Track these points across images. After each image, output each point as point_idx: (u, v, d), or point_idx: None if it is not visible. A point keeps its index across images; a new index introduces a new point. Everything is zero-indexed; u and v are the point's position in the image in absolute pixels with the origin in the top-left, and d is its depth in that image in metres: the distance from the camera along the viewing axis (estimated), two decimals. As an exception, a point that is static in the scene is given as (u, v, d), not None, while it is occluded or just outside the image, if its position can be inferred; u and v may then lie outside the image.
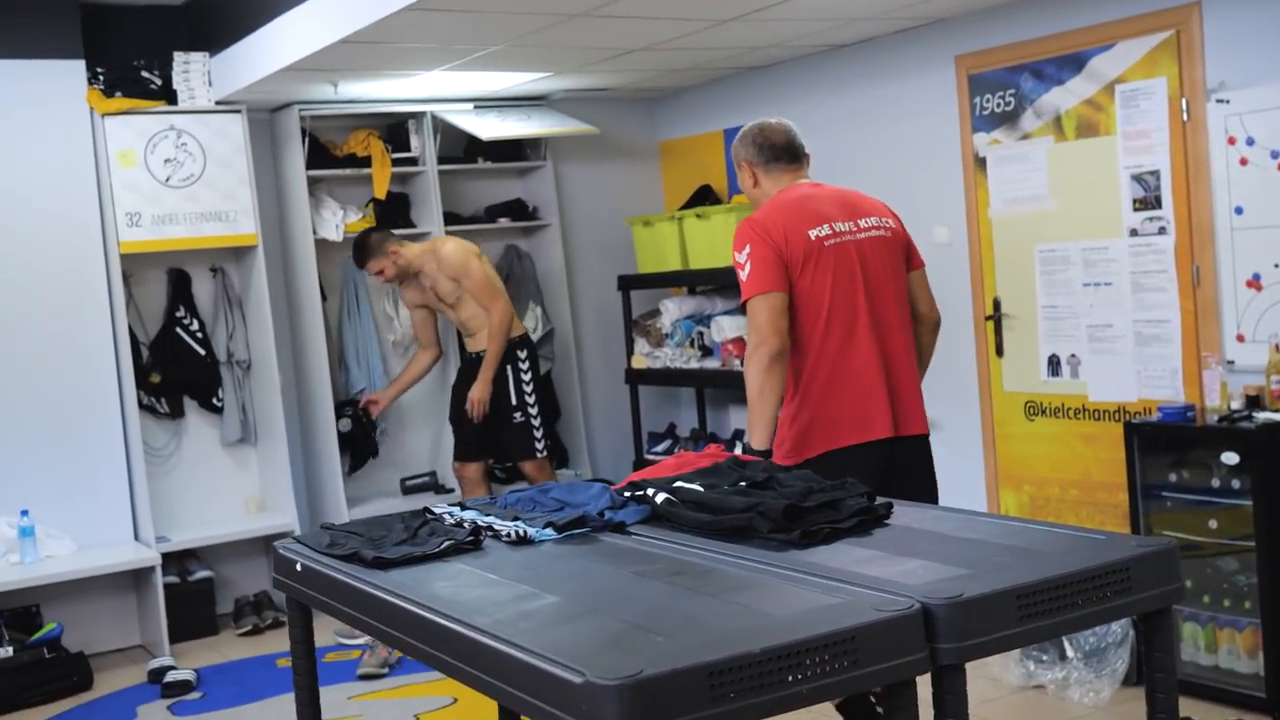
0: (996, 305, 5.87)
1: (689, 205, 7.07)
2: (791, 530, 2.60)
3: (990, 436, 5.98)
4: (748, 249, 3.83)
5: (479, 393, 6.29)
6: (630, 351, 7.10)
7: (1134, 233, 5.27)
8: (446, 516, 3.04)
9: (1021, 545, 2.48)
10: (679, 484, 2.98)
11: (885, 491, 3.12)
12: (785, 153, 4.03)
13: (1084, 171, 5.43)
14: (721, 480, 2.99)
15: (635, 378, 7.08)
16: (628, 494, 3.03)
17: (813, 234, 3.84)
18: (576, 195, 7.44)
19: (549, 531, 2.82)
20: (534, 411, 6.44)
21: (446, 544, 2.74)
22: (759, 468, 3.08)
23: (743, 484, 2.92)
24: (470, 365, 6.46)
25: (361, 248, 6.36)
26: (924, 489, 4.03)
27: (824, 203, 3.95)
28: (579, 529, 2.85)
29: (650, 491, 2.96)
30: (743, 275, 3.84)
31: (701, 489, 2.92)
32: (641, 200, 7.59)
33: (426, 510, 3.13)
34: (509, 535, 2.81)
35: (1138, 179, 5.22)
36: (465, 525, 2.92)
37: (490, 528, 2.87)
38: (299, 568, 2.84)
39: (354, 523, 3.08)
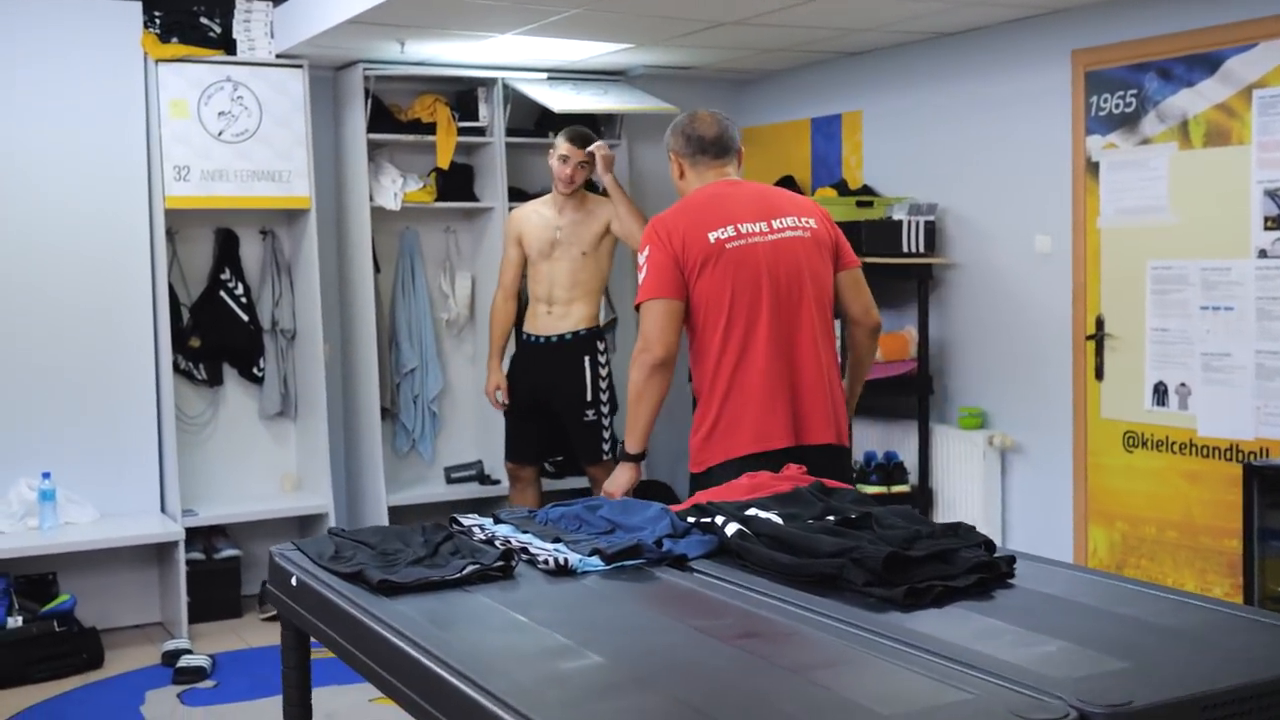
0: (1099, 324, 5.28)
1: (769, 196, 6.51)
2: (894, 586, 2.06)
3: (1082, 466, 5.39)
4: (647, 250, 3.67)
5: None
6: (696, 347, 6.55)
7: (1263, 254, 4.66)
8: (476, 530, 2.52)
9: (1187, 628, 1.93)
10: (753, 511, 2.44)
11: None
12: (713, 146, 3.79)
13: (1210, 183, 4.83)
14: (804, 510, 2.45)
15: (699, 375, 6.53)
16: (691, 520, 2.50)
17: (713, 236, 3.63)
18: (650, 179, 6.91)
19: (595, 561, 2.29)
20: (606, 410, 5.89)
21: (470, 568, 2.22)
22: (848, 497, 2.54)
23: (830, 518, 2.38)
24: (539, 351, 5.83)
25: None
26: None
27: (735, 202, 3.73)
28: (631, 560, 2.31)
29: (719, 520, 2.43)
30: (640, 276, 3.68)
31: (780, 520, 2.38)
32: (718, 188, 7.04)
33: (453, 521, 2.61)
34: (547, 562, 2.28)
35: (1272, 195, 4.62)
36: (496, 544, 2.40)
37: (526, 550, 2.35)
38: (293, 582, 2.33)
39: (368, 530, 2.56)
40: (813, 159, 6.60)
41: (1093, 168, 5.26)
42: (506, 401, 5.90)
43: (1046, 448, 5.52)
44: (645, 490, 6.76)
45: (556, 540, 2.39)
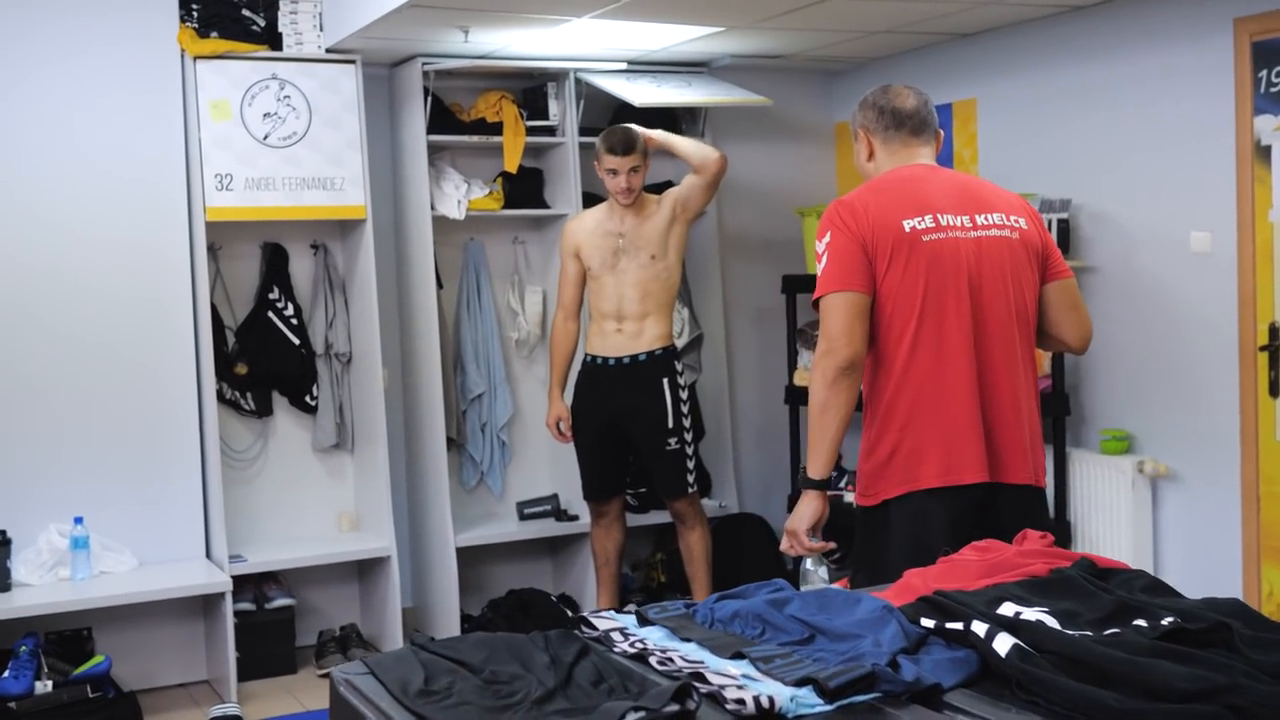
0: (1273, 333, 4.46)
1: (870, 197, 5.73)
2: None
3: (1253, 496, 4.56)
4: (828, 237, 3.02)
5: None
6: (793, 365, 5.77)
7: None
8: (616, 638, 1.76)
9: None
10: (1016, 612, 1.66)
11: None
12: (909, 120, 3.17)
13: None
14: (1083, 608, 1.68)
15: (797, 396, 5.75)
16: (928, 623, 1.72)
17: (908, 224, 3.00)
18: (737, 180, 6.13)
19: (810, 698, 1.52)
20: (689, 438, 5.14)
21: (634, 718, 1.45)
22: (1138, 583, 1.76)
23: (1140, 622, 1.59)
24: (610, 375, 5.14)
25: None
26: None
27: (934, 188, 3.10)
28: (863, 695, 1.54)
29: (976, 628, 1.65)
30: (819, 266, 3.03)
31: (1059, 626, 1.60)
32: (811, 189, 6.24)
33: (582, 623, 1.84)
34: (742, 702, 1.51)
35: None
36: (652, 660, 1.63)
37: (701, 677, 1.58)
38: (371, 731, 1.56)
39: (467, 641, 1.78)
40: (918, 155, 5.80)
41: (1262, 152, 4.45)
42: (569, 435, 5.18)
43: (1208, 475, 4.70)
44: (736, 525, 6.02)
45: (738, 655, 1.62)
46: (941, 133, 3.25)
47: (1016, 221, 3.11)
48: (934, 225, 3.01)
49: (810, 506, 3.02)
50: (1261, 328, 4.49)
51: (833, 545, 3.06)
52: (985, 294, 3.01)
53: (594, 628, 1.80)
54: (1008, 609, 1.67)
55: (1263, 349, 4.48)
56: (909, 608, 1.76)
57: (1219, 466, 4.64)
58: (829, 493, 3.08)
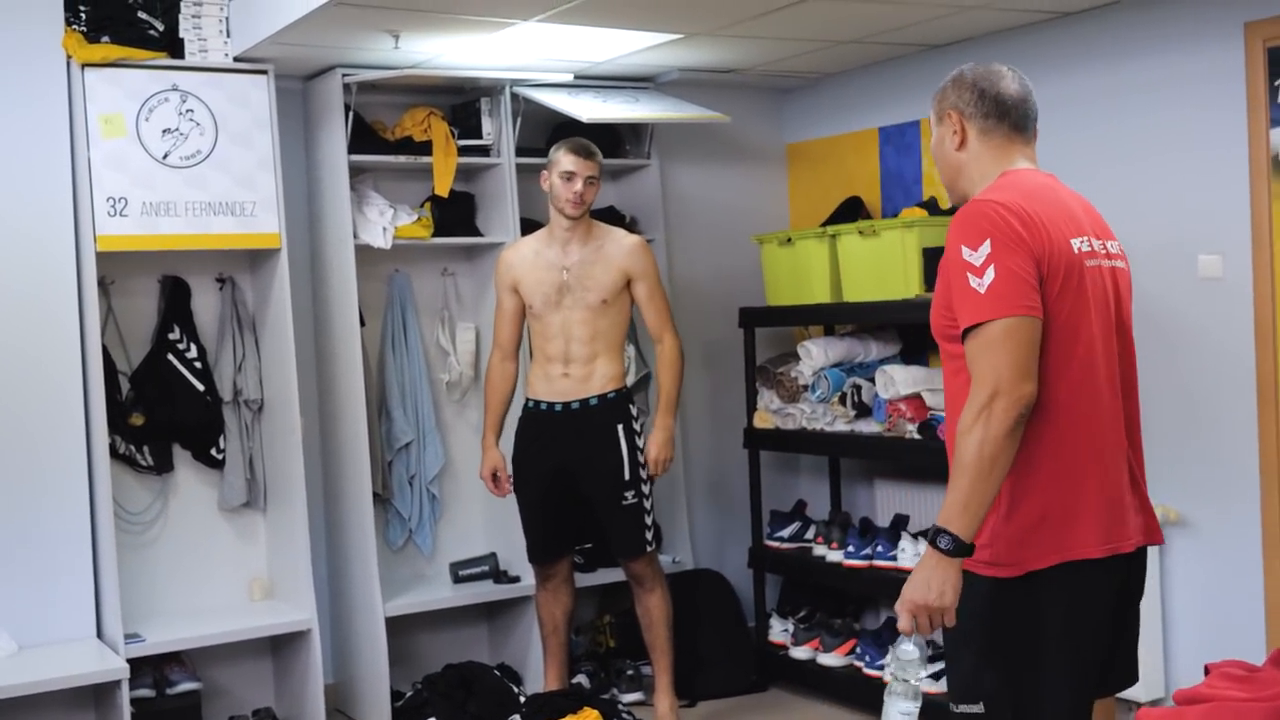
0: (1296, 364, 4.07)
1: (832, 223, 5.26)
2: None
3: (1274, 546, 4.15)
4: (987, 246, 2.41)
5: (663, 450, 4.59)
6: (752, 406, 5.24)
7: None
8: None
9: None
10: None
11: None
12: (1014, 111, 2.67)
13: None
14: None
15: (758, 439, 5.23)
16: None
17: (1076, 244, 2.52)
18: (685, 205, 5.62)
19: None
20: (647, 490, 4.60)
21: None
22: None
23: None
24: (556, 422, 4.58)
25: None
26: (1134, 624, 2.72)
27: (1073, 202, 2.65)
28: None
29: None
30: (976, 283, 2.41)
31: None
32: (763, 214, 5.75)
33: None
34: None
35: None
36: None
37: None
38: None
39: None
40: (883, 176, 5.34)
41: (1279, 166, 4.07)
42: (507, 488, 4.65)
43: (1224, 522, 4.27)
44: (692, 582, 5.45)
45: None
46: (1038, 131, 2.75)
47: (1122, 250, 2.70)
48: (1090, 249, 2.55)
49: (951, 576, 2.37)
50: (1282, 359, 4.09)
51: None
52: (1122, 333, 2.63)
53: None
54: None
55: (1285, 382, 4.08)
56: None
57: (1238, 513, 4.22)
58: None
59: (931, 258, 4.55)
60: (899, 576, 4.70)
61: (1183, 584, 4.41)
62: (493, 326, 4.78)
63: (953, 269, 2.46)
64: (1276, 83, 4.05)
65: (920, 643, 2.40)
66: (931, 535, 2.39)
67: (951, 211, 4.87)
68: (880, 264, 4.70)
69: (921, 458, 4.68)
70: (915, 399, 4.62)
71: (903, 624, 2.40)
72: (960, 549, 2.36)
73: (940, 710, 2.72)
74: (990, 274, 2.39)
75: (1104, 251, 2.60)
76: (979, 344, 2.40)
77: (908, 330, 5.06)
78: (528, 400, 4.65)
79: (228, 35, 4.58)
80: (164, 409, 4.72)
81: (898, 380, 4.66)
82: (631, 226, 5.36)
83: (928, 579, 2.37)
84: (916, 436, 4.58)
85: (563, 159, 4.47)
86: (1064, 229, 2.51)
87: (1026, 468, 2.45)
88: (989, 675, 2.47)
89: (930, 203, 4.96)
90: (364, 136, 4.92)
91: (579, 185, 4.46)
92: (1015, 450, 2.37)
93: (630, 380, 5.23)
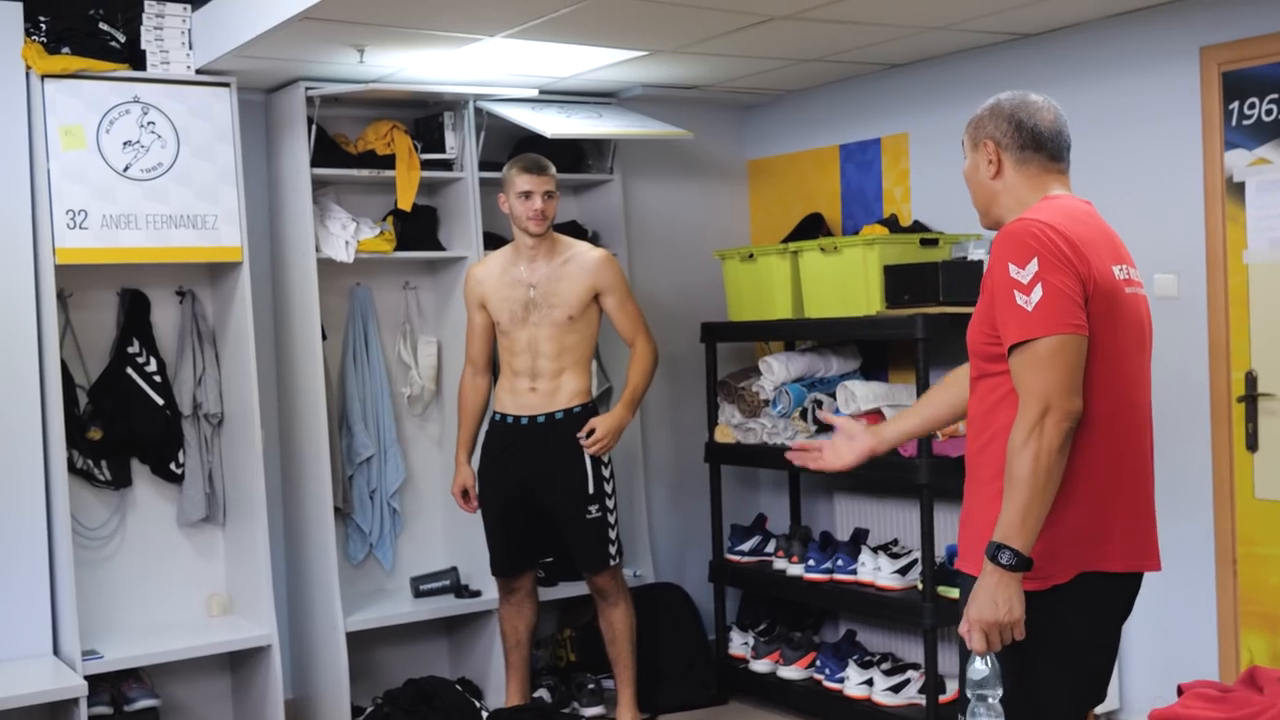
0: (1250, 382, 4.13)
1: (794, 239, 5.29)
2: None
3: (1229, 558, 4.21)
4: (1035, 264, 2.45)
5: (609, 435, 4.55)
6: (713, 420, 5.27)
7: None
8: None
9: None
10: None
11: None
12: (1050, 143, 2.71)
13: None
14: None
15: (719, 454, 5.25)
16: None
17: (1116, 271, 2.58)
18: (647, 221, 5.64)
19: None
20: (611, 504, 4.61)
21: None
22: None
23: None
24: (522, 436, 4.59)
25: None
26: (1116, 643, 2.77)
27: (1109, 230, 2.69)
28: None
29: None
30: (1023, 300, 2.45)
31: None
32: (724, 230, 5.78)
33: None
34: None
35: None
36: None
37: None
38: None
39: None
40: (844, 193, 5.38)
41: (1235, 189, 4.13)
42: (477, 505, 4.66)
43: (1178, 536, 4.30)
44: (652, 596, 5.45)
45: None
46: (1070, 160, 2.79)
47: (1141, 277, 2.75)
48: (1127, 278, 2.60)
49: (1013, 593, 2.40)
50: (1237, 376, 4.16)
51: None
52: (1149, 360, 2.68)
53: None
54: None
55: (1239, 400, 4.14)
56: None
57: (1191, 527, 4.28)
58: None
59: (892, 275, 4.59)
60: (859, 590, 4.74)
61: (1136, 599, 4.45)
62: (459, 341, 4.78)
63: (999, 286, 2.49)
64: (1231, 106, 4.13)
65: (991, 659, 2.42)
66: (991, 552, 2.41)
67: (911, 229, 4.95)
68: (842, 280, 4.74)
69: (880, 472, 4.71)
70: (875, 414, 4.66)
71: (976, 644, 2.42)
72: (1021, 563, 2.39)
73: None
74: (1038, 291, 2.43)
75: (1136, 279, 2.66)
76: (1026, 360, 2.44)
77: (868, 346, 5.09)
78: (494, 414, 4.66)
79: (190, 47, 4.56)
80: (123, 423, 4.67)
81: (858, 395, 4.69)
82: (594, 241, 5.36)
83: (993, 596, 2.40)
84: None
85: (517, 179, 4.48)
86: (1105, 255, 2.56)
87: (1069, 482, 2.48)
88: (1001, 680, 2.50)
89: (891, 220, 5.00)
90: (327, 150, 4.91)
91: (538, 202, 4.47)
92: (1065, 464, 2.42)
93: (594, 393, 5.24)
